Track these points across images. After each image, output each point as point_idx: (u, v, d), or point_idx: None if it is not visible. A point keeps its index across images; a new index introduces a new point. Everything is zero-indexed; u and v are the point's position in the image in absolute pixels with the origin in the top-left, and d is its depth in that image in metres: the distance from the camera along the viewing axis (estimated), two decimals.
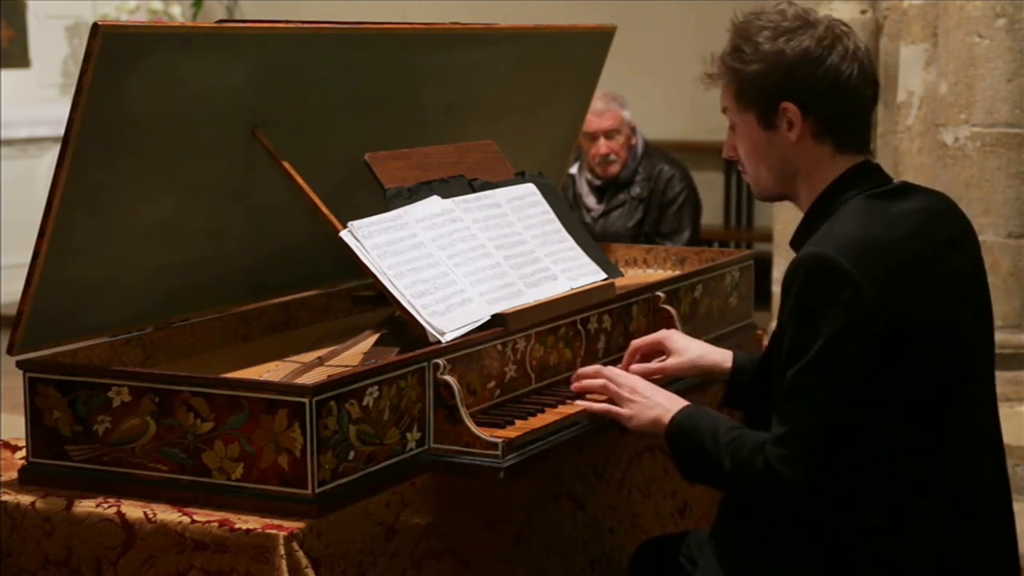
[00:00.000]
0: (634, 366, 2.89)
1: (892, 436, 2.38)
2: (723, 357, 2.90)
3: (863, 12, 5.17)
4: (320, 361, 2.85)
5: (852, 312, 2.32)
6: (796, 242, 2.54)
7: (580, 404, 2.75)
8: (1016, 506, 2.59)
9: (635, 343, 2.95)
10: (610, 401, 2.72)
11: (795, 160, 2.52)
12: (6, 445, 2.80)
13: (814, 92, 2.46)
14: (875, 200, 2.48)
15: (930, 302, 2.39)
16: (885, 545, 2.39)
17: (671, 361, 2.89)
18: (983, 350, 2.53)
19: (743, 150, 2.58)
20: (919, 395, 2.38)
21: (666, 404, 2.62)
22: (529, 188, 3.18)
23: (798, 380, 2.37)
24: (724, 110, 2.59)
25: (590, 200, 5.79)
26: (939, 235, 2.49)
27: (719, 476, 2.50)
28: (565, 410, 2.75)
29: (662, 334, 2.95)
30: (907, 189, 2.54)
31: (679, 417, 2.58)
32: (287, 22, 2.85)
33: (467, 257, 2.86)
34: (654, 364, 2.90)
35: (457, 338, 2.66)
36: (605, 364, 2.86)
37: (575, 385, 2.80)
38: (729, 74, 2.53)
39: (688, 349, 2.90)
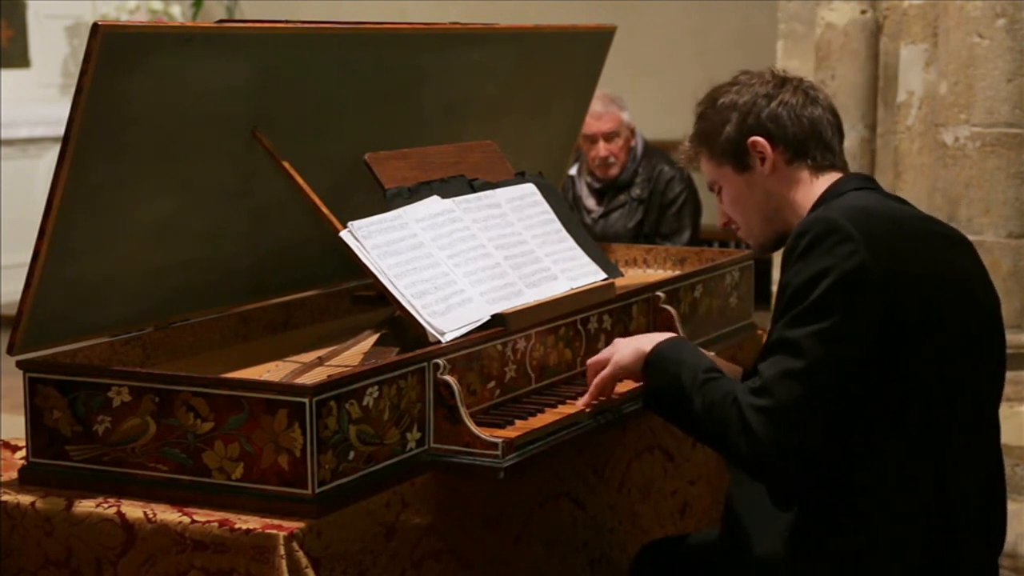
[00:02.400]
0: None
1: (879, 415, 2.35)
2: (731, 371, 2.86)
3: (863, 12, 5.17)
4: (320, 361, 2.85)
5: (849, 267, 2.31)
6: None
7: (580, 403, 2.74)
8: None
9: None
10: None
11: (776, 190, 2.57)
12: (6, 445, 2.80)
13: (775, 121, 2.56)
14: (875, 192, 2.54)
15: (925, 287, 2.37)
16: (874, 531, 2.36)
17: None
18: (985, 351, 2.49)
19: (731, 208, 2.65)
20: (907, 378, 2.35)
21: (651, 336, 2.61)
22: (529, 188, 3.18)
23: (786, 332, 2.33)
24: (710, 185, 2.68)
25: (590, 202, 5.77)
26: (938, 232, 2.50)
27: (687, 415, 2.44)
28: (565, 410, 2.74)
29: None
30: (904, 201, 2.60)
31: (664, 345, 2.55)
32: (287, 22, 2.85)
33: (467, 257, 2.86)
34: None
35: (457, 338, 2.66)
36: None
37: (587, 398, 2.75)
38: (698, 139, 2.66)
39: None
